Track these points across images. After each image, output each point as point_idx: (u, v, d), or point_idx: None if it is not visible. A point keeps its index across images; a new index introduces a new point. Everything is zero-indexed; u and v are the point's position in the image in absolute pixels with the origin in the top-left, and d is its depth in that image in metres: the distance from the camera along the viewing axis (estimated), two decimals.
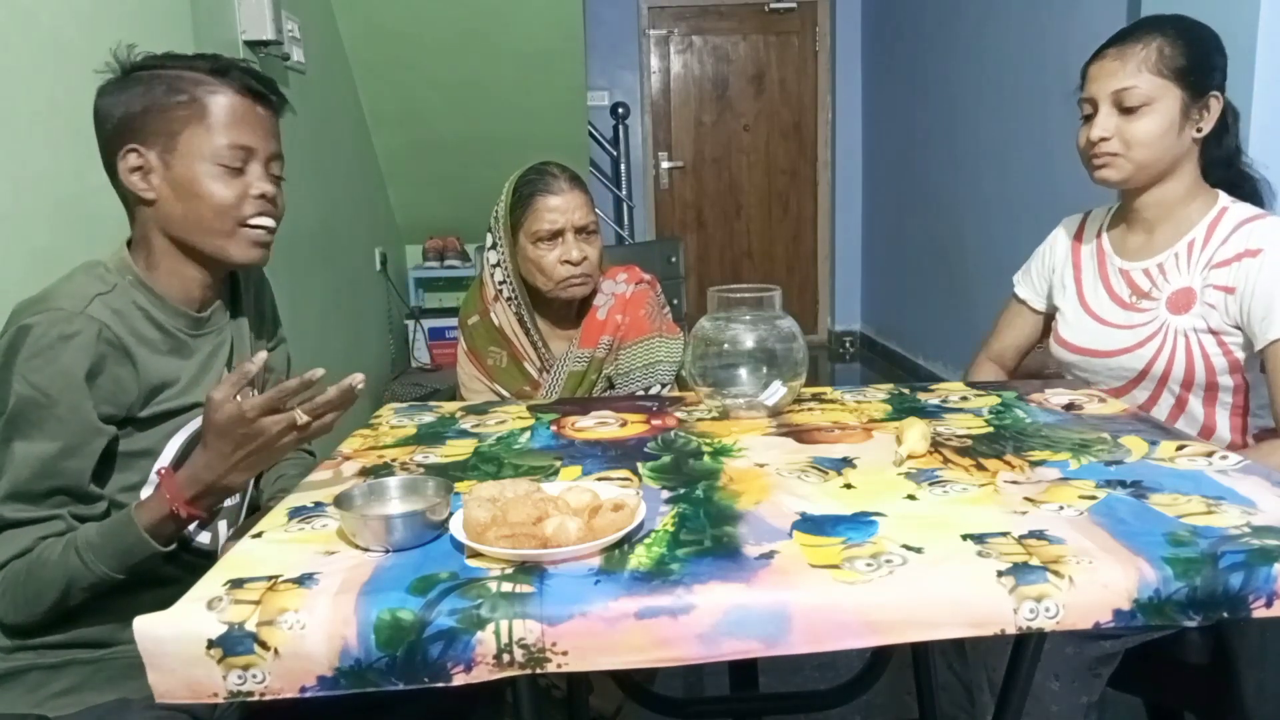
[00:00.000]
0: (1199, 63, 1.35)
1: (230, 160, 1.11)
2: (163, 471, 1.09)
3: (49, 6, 1.57)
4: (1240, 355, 1.37)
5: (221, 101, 1.10)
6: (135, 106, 1.09)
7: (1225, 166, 1.45)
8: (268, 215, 1.16)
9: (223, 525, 1.23)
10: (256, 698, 0.77)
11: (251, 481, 1.29)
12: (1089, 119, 1.41)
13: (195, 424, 1.13)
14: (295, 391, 1.00)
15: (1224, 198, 1.41)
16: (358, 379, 1.02)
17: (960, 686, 1.32)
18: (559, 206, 1.63)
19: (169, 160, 1.10)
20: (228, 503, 1.23)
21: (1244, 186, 1.44)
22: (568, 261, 1.64)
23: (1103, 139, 1.38)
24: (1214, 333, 1.37)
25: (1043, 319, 1.66)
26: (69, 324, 1.03)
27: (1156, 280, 1.43)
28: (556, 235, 1.64)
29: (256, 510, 1.28)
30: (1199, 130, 1.38)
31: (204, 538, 1.20)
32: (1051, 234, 1.64)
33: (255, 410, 0.99)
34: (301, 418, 1.00)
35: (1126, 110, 1.36)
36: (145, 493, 1.13)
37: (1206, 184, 1.43)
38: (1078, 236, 1.59)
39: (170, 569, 1.15)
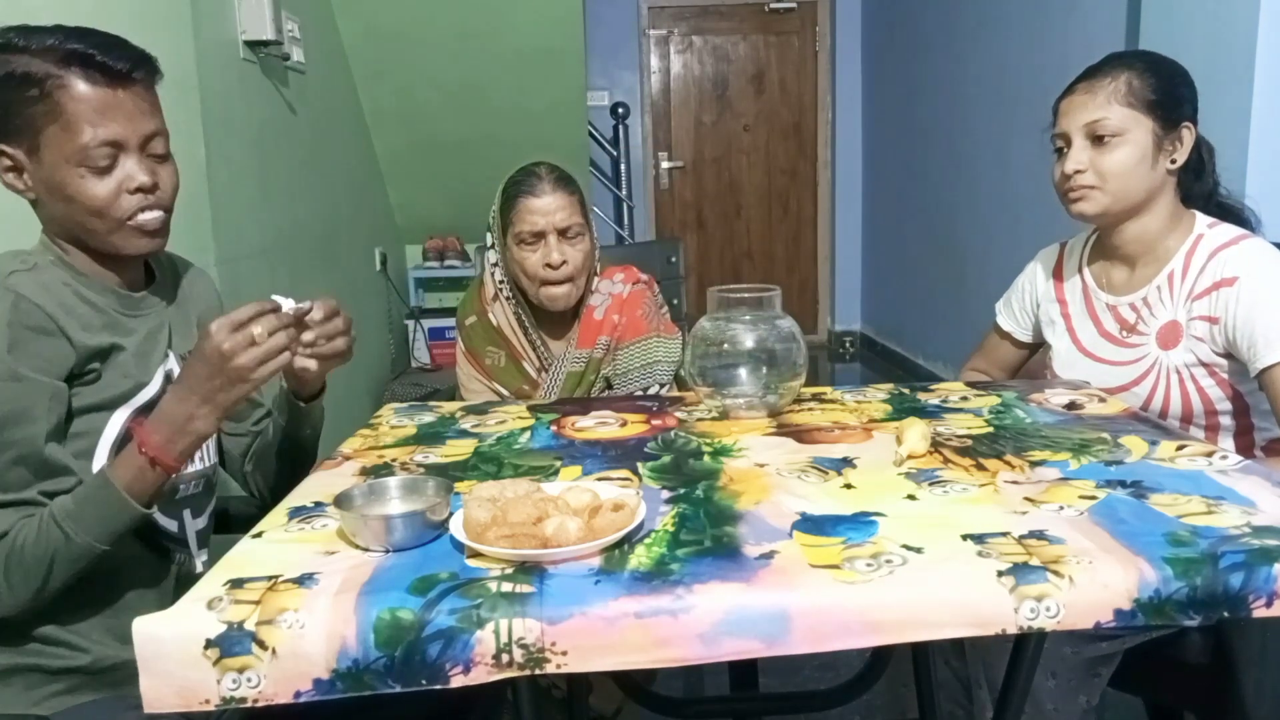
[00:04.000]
0: (1168, 95, 1.36)
1: (96, 160, 1.03)
2: (134, 423, 1.06)
3: (49, 6, 1.56)
4: (1236, 382, 1.36)
5: (74, 95, 1.00)
6: None
7: (1205, 201, 1.45)
8: (150, 208, 1.09)
9: (188, 514, 1.20)
10: (250, 704, 0.76)
11: (214, 450, 1.26)
12: (1061, 154, 1.41)
13: (137, 402, 1.10)
14: (258, 314, 1.00)
15: (1200, 222, 1.41)
16: (305, 305, 1.06)
17: (958, 684, 1.32)
18: (540, 208, 1.62)
19: (37, 160, 1.03)
20: (191, 490, 1.20)
21: (1226, 220, 1.43)
22: (548, 265, 1.64)
23: (1077, 171, 1.37)
24: (1205, 365, 1.36)
25: (1028, 348, 1.67)
26: None
27: (1143, 314, 1.43)
28: (538, 237, 1.63)
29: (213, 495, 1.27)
30: (1173, 161, 1.38)
31: (170, 525, 1.18)
32: (1029, 267, 1.63)
33: (220, 328, 0.98)
34: (259, 333, 0.99)
35: (1099, 143, 1.36)
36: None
37: (1184, 209, 1.42)
38: (1057, 272, 1.58)
39: (144, 570, 1.13)
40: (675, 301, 2.10)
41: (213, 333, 0.99)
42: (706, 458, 1.15)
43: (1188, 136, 1.37)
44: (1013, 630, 0.78)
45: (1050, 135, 1.44)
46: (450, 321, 1.93)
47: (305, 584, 0.82)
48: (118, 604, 1.10)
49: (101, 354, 1.08)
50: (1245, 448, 1.40)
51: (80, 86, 1.01)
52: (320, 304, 1.10)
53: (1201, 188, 1.45)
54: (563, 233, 1.64)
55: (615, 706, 1.84)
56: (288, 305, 1.06)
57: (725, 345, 1.33)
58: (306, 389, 1.24)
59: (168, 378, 1.15)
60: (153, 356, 1.15)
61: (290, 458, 1.30)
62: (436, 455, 1.22)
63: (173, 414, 1.02)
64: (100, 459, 1.07)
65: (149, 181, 1.08)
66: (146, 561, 1.14)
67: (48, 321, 1.02)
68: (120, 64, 1.03)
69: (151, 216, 1.09)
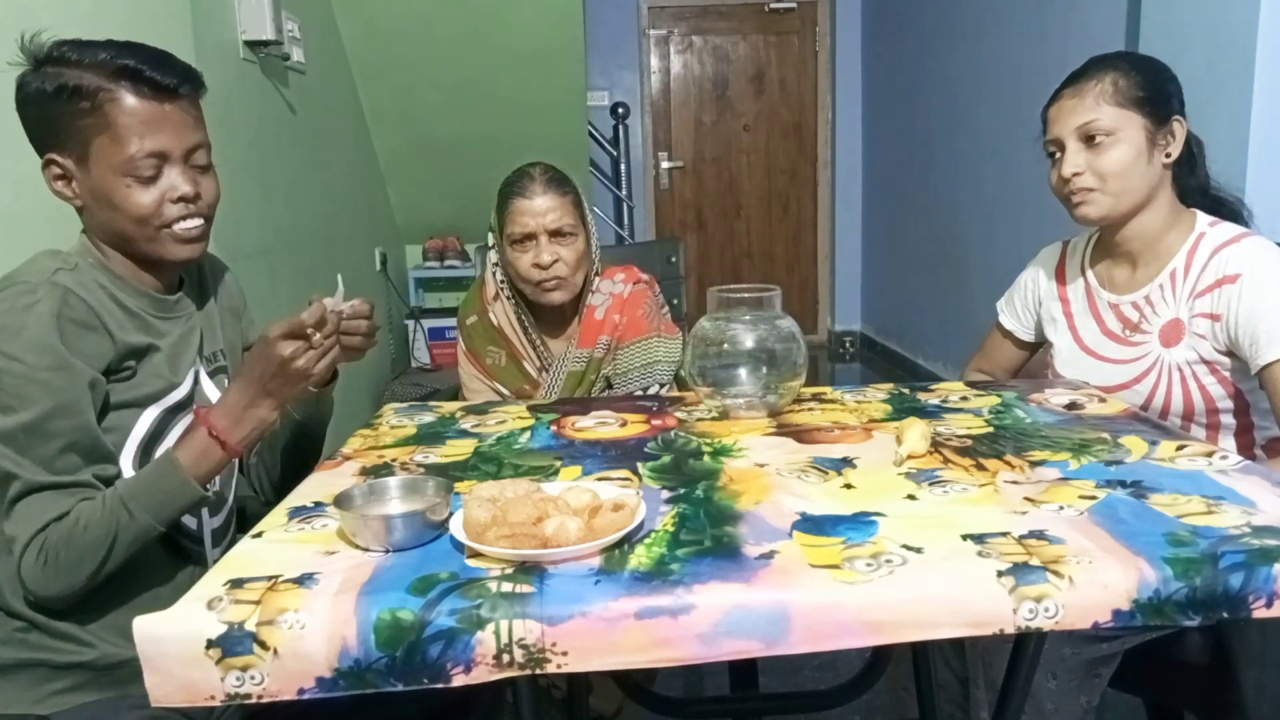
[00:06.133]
0: (1155, 90, 1.37)
1: (142, 170, 1.07)
2: (199, 410, 1.12)
3: (49, 6, 1.56)
4: (1237, 380, 1.37)
5: (124, 109, 1.05)
6: (47, 113, 1.06)
7: (1202, 195, 1.45)
8: (191, 216, 1.13)
9: (205, 512, 1.22)
10: (254, 700, 0.77)
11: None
12: (1055, 160, 1.41)
13: (168, 402, 1.14)
14: (315, 320, 1.09)
15: (1201, 221, 1.41)
16: (358, 303, 1.17)
17: (958, 684, 1.32)
18: (529, 210, 1.63)
19: (85, 169, 1.08)
20: (210, 489, 1.22)
21: (1222, 211, 1.44)
22: (538, 265, 1.64)
23: (1075, 174, 1.38)
24: (1207, 363, 1.37)
25: (1030, 347, 1.67)
26: (32, 294, 1.02)
27: (1145, 313, 1.43)
28: (528, 238, 1.64)
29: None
30: (1168, 155, 1.38)
31: (190, 522, 1.19)
32: (1031, 266, 1.63)
33: (277, 332, 1.07)
34: (318, 339, 1.09)
35: (1093, 144, 1.36)
36: (125, 469, 1.12)
37: (1184, 207, 1.43)
38: (1060, 271, 1.58)
39: (159, 567, 1.15)
40: (675, 301, 2.10)
41: (275, 343, 1.07)
42: (706, 458, 1.15)
43: (1179, 130, 1.38)
44: (1011, 630, 0.78)
45: (1043, 143, 1.44)
46: (450, 321, 1.93)
47: (305, 584, 0.82)
48: (129, 601, 1.11)
49: (138, 353, 1.12)
50: (1245, 447, 1.40)
51: (129, 100, 1.06)
52: (354, 304, 1.18)
53: (1195, 181, 1.45)
54: (554, 234, 1.64)
55: (615, 706, 1.84)
56: (333, 303, 1.14)
57: (725, 345, 1.33)
58: None
59: (196, 378, 1.20)
60: (184, 358, 1.19)
61: (295, 448, 1.33)
62: (436, 455, 1.22)
63: (236, 402, 1.10)
64: (128, 456, 1.11)
65: (191, 191, 1.12)
66: (161, 559, 1.15)
67: (92, 317, 1.06)
68: (168, 79, 1.08)
69: (192, 224, 1.14)
